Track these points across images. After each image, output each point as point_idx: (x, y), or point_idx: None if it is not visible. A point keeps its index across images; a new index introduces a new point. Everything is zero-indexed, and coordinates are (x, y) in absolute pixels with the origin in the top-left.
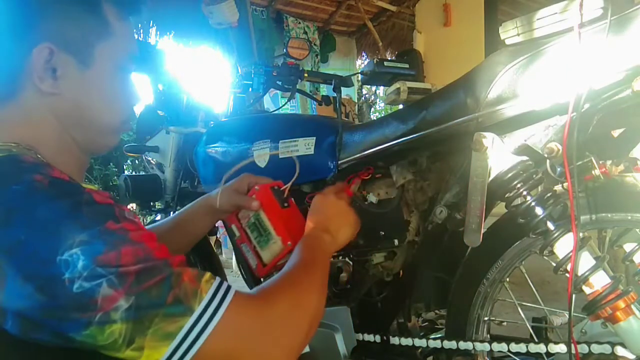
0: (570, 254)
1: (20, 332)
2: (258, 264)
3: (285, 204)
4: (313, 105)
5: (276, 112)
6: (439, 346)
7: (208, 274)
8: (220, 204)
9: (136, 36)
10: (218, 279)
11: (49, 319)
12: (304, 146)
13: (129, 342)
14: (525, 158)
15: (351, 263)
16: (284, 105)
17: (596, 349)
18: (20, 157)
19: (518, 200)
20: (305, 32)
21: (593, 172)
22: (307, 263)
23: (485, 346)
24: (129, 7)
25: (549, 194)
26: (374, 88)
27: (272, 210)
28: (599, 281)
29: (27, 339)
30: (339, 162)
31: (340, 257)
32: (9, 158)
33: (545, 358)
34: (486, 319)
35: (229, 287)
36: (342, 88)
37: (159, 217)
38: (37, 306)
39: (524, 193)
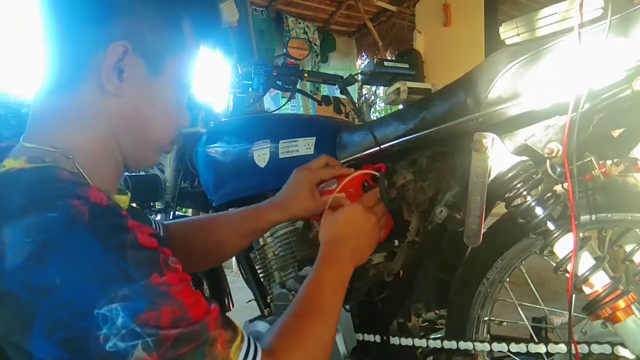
0: (570, 254)
1: None
2: None
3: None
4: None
5: (276, 112)
6: (439, 346)
7: (239, 338)
8: (298, 213)
9: None
10: (246, 343)
11: None
12: (304, 146)
13: None
14: (525, 158)
15: None
16: (283, 105)
17: (596, 349)
18: (55, 172)
19: (518, 200)
20: (305, 32)
21: (593, 172)
22: (326, 301)
23: (485, 346)
24: (204, 31)
25: (549, 194)
26: (374, 88)
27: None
28: (599, 281)
29: None
30: (339, 161)
31: None
32: (43, 173)
33: (545, 358)
34: (486, 319)
35: (255, 351)
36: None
37: (158, 217)
38: (64, 357)
39: (524, 193)
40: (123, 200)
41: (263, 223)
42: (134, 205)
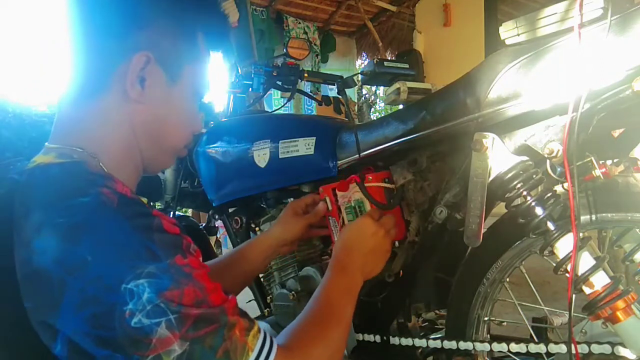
0: (570, 254)
1: (65, 357)
2: None
3: (392, 201)
4: (307, 106)
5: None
6: (439, 346)
7: (256, 327)
8: (289, 235)
9: None
10: (263, 333)
11: (100, 348)
12: (304, 146)
13: None
14: (525, 158)
15: None
16: (282, 106)
17: (596, 349)
18: (84, 165)
19: (518, 201)
20: (305, 32)
21: (593, 172)
22: (339, 308)
23: (485, 346)
24: (214, 42)
25: (549, 194)
26: (374, 88)
27: (378, 205)
28: (599, 281)
29: None
30: (339, 162)
31: None
32: (74, 166)
33: (545, 358)
34: (486, 319)
35: (271, 344)
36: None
37: None
38: (91, 334)
39: (524, 193)
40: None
41: (262, 250)
42: None
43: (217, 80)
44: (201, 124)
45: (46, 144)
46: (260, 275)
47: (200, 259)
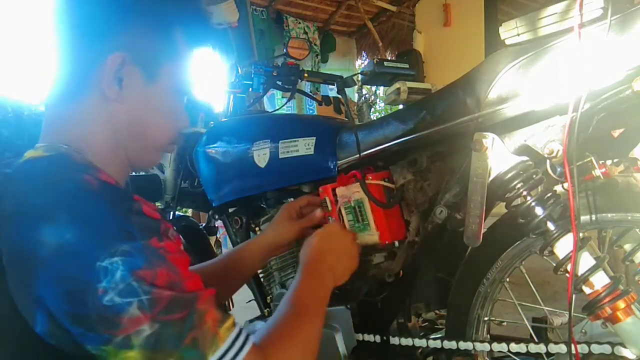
0: (570, 254)
1: (48, 335)
2: None
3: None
4: (308, 106)
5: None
6: (439, 346)
7: (230, 320)
8: (282, 238)
9: None
10: (238, 327)
11: (75, 326)
12: (304, 146)
13: None
14: (525, 158)
15: None
16: (283, 106)
17: (596, 349)
18: (70, 156)
19: (518, 201)
20: (305, 32)
21: (593, 172)
22: (312, 309)
23: (485, 346)
24: (197, 40)
25: (549, 194)
26: (374, 88)
27: (377, 204)
28: (599, 281)
29: (53, 343)
30: (339, 162)
31: None
32: (59, 157)
33: (545, 358)
34: (486, 319)
35: (246, 339)
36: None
37: None
38: (66, 310)
39: (524, 193)
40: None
41: (256, 252)
42: None
43: (210, 78)
44: (188, 121)
45: (37, 145)
46: (260, 275)
47: (182, 247)
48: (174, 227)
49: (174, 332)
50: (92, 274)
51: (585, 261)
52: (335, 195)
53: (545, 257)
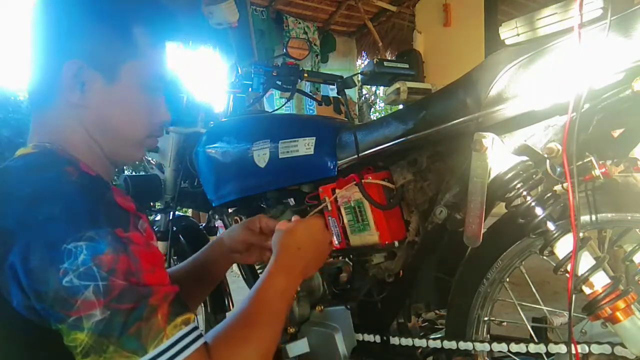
0: (570, 254)
1: (22, 308)
2: (342, 242)
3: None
4: (308, 106)
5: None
6: (439, 346)
7: (181, 319)
8: (232, 241)
9: None
10: (190, 327)
11: (38, 302)
12: (304, 146)
13: (84, 355)
14: (525, 158)
15: (351, 263)
16: (282, 106)
17: (596, 349)
18: (54, 151)
19: (518, 201)
20: (305, 32)
21: (593, 172)
22: (273, 308)
23: (485, 346)
24: (161, 32)
25: (549, 194)
26: (374, 88)
27: (377, 206)
28: (599, 281)
29: (28, 317)
30: (339, 162)
31: (340, 258)
32: (45, 151)
33: (545, 358)
34: (486, 319)
35: (195, 339)
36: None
37: (159, 217)
38: (31, 286)
39: (524, 193)
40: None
41: (223, 256)
42: None
43: (210, 78)
44: (167, 114)
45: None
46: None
47: (154, 242)
48: (156, 226)
49: (121, 321)
50: (56, 254)
51: (585, 261)
52: (335, 195)
53: (545, 257)
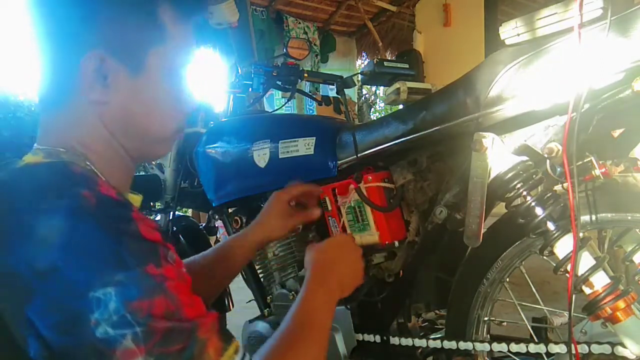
0: (570, 254)
1: (40, 358)
2: None
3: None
4: (308, 106)
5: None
6: (439, 346)
7: (232, 348)
8: (273, 236)
9: None
10: (240, 354)
11: (66, 356)
12: (304, 146)
13: None
14: (525, 158)
15: None
16: (282, 106)
17: (596, 349)
18: (69, 165)
19: (518, 201)
20: (305, 32)
21: (593, 172)
22: (318, 323)
23: (485, 346)
24: (189, 10)
25: (549, 194)
26: (373, 88)
27: (377, 208)
28: (599, 281)
29: None
30: (339, 162)
31: None
32: (57, 166)
33: (545, 358)
34: (486, 319)
35: None
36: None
37: (158, 217)
38: (58, 340)
39: (524, 193)
40: (135, 200)
41: (246, 248)
42: None
43: (210, 78)
44: (193, 102)
45: (35, 145)
46: (260, 276)
47: (183, 269)
48: (174, 240)
49: None
50: (84, 304)
51: (585, 261)
52: (335, 195)
53: (545, 257)
